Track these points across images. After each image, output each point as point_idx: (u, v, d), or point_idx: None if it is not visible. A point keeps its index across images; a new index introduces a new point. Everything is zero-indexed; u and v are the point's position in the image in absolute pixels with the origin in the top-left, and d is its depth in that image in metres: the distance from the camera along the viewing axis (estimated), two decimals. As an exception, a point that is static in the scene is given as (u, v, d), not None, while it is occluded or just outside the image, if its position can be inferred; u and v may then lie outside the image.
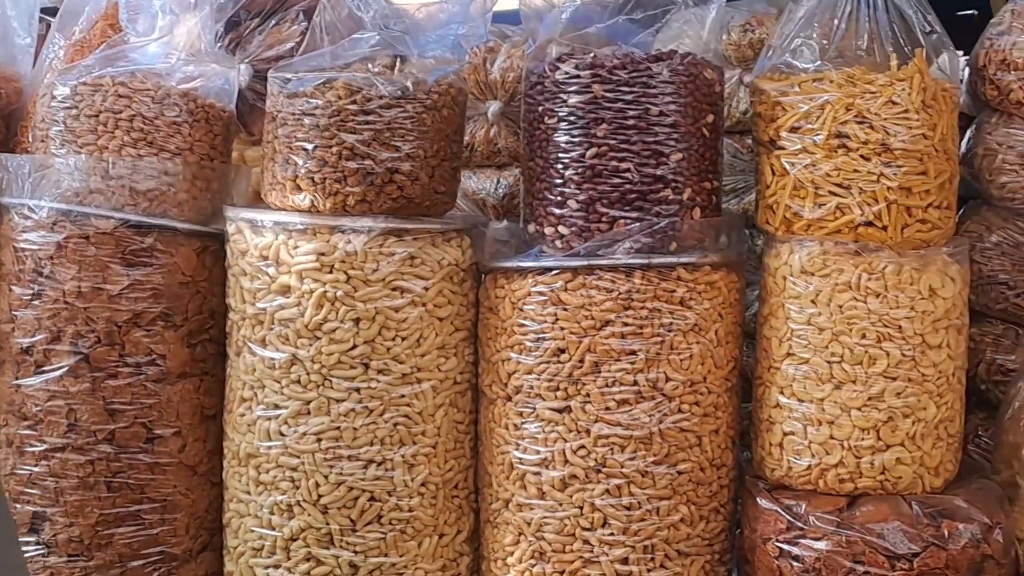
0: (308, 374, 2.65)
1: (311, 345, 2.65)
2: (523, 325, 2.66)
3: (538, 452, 2.65)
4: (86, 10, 3.23)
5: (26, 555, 2.74)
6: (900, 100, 2.54)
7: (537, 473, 2.66)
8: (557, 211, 2.64)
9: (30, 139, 3.05)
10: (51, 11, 3.48)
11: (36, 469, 2.74)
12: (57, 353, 2.74)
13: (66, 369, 2.73)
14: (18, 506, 2.74)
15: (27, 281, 2.76)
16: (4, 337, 2.80)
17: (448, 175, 2.75)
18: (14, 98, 3.31)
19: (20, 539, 2.73)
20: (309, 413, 2.66)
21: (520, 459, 2.68)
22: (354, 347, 2.65)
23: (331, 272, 2.64)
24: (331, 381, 2.65)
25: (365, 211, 2.65)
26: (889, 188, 2.54)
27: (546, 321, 2.63)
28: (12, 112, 3.30)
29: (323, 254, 2.64)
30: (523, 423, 2.67)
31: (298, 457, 2.67)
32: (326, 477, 2.66)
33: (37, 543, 2.75)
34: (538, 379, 2.64)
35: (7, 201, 2.82)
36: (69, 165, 2.76)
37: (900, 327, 2.58)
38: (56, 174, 2.77)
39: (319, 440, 2.66)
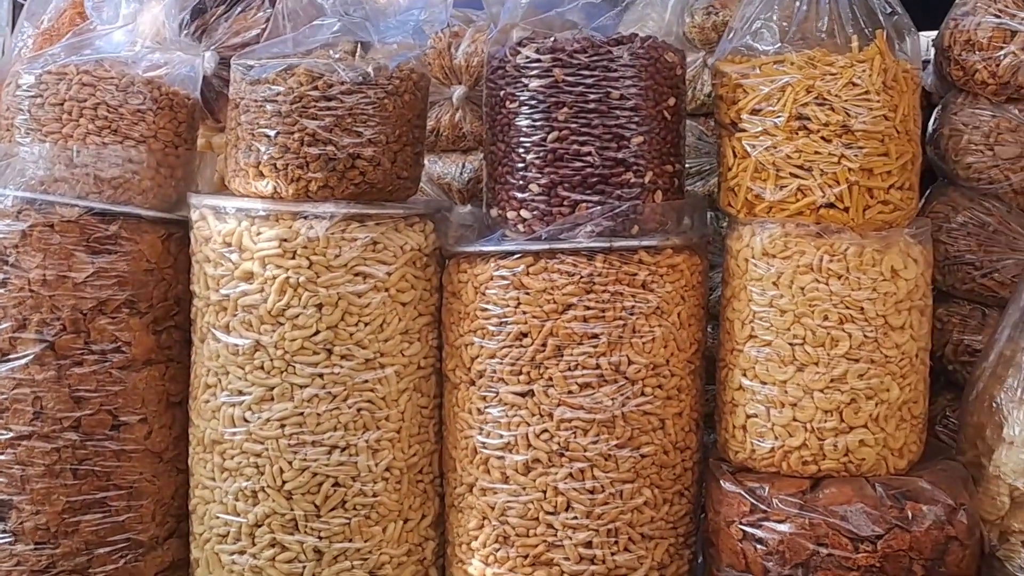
0: (271, 360, 2.65)
1: (274, 331, 2.64)
2: (486, 309, 2.65)
3: (501, 436, 2.65)
4: (55, -3, 3.24)
5: (-7, 544, 2.75)
6: (861, 81, 2.54)
7: (501, 457, 2.66)
8: (519, 195, 2.63)
9: (-1, 128, 3.06)
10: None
11: (2, 457, 2.73)
12: (23, 341, 2.73)
13: (32, 357, 2.72)
14: (-16, 494, 2.75)
15: (-8, 269, 2.76)
16: (-31, 326, 2.80)
17: (410, 160, 2.74)
18: (-18, 87, 3.32)
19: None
20: (273, 399, 2.66)
21: (484, 443, 2.67)
22: (317, 333, 2.64)
23: (293, 258, 2.64)
24: (294, 367, 2.65)
25: (327, 197, 2.64)
26: (850, 169, 2.54)
27: (508, 305, 2.63)
28: (-19, 101, 3.31)
29: (285, 240, 2.64)
30: (486, 407, 2.67)
31: (262, 443, 2.67)
32: (290, 463, 2.66)
33: (3, 531, 2.73)
34: (501, 363, 2.64)
35: (-29, 191, 2.82)
36: (34, 153, 2.75)
37: (862, 309, 2.57)
38: (21, 163, 2.76)
39: (283, 426, 2.66)
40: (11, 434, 2.72)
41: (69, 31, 3.02)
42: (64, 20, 3.18)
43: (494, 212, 2.70)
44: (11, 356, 2.73)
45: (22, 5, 3.42)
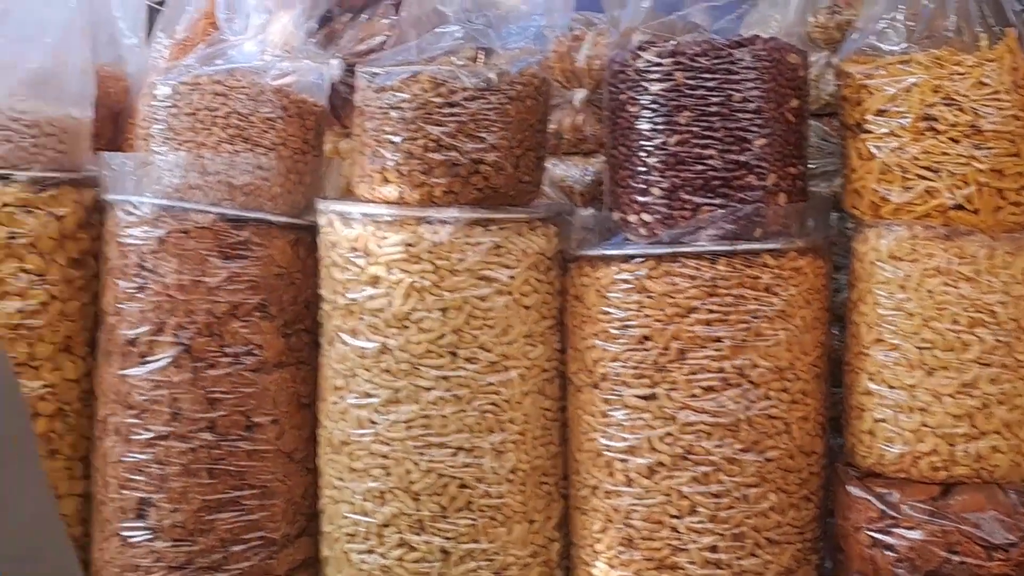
0: (397, 363, 2.69)
1: (400, 334, 2.68)
2: (608, 313, 2.66)
3: (625, 439, 2.65)
4: (188, 9, 3.33)
5: (134, 540, 2.83)
6: (990, 81, 2.48)
7: (624, 460, 2.66)
8: (640, 198, 2.63)
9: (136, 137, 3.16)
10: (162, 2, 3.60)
11: (142, 456, 2.82)
12: (160, 344, 2.82)
13: (169, 359, 2.81)
14: (125, 492, 2.83)
15: (131, 275, 2.85)
16: (110, 329, 2.89)
17: (532, 164, 2.76)
18: (122, 97, 3.44)
19: (128, 524, 2.84)
20: (399, 401, 2.70)
21: (607, 446, 2.68)
22: (442, 336, 2.67)
23: (418, 262, 2.67)
24: (420, 370, 2.68)
25: (451, 202, 2.68)
26: (980, 171, 2.48)
27: (631, 308, 2.63)
28: (120, 111, 3.42)
29: (410, 245, 2.67)
30: (609, 410, 2.67)
31: (389, 444, 2.71)
32: (416, 464, 2.70)
33: (144, 528, 2.83)
34: (624, 366, 2.64)
35: (112, 198, 2.92)
36: (169, 162, 2.84)
37: (994, 312, 2.51)
38: (157, 171, 2.85)
39: (409, 428, 2.70)
40: (151, 434, 2.81)
41: (201, 41, 3.11)
42: (197, 30, 3.27)
43: (616, 215, 2.70)
44: (149, 359, 2.82)
45: (158, 11, 3.53)
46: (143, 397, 2.82)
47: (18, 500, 1.54)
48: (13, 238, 2.89)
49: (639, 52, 2.63)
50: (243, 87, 2.87)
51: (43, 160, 2.96)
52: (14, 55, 2.96)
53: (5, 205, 2.88)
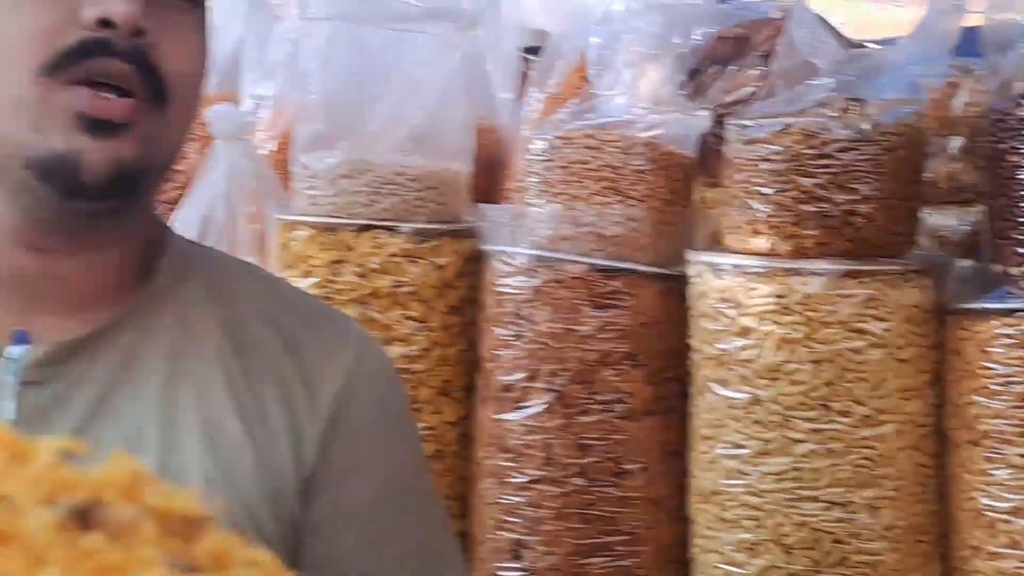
0: (768, 415, 2.68)
1: (771, 386, 2.68)
2: (989, 368, 2.57)
3: (1008, 500, 2.55)
4: (559, 64, 3.45)
5: (509, 580, 2.96)
6: None
7: (1008, 521, 2.56)
8: (1022, 251, 2.54)
9: (511, 189, 3.31)
10: (532, 49, 3.75)
11: (516, 499, 2.92)
12: (534, 390, 2.92)
13: (543, 406, 2.91)
14: (500, 533, 2.94)
15: (507, 323, 2.97)
16: (487, 375, 3.02)
17: (906, 215, 2.71)
18: (494, 149, 3.58)
19: (504, 564, 2.95)
20: (769, 453, 2.69)
21: (989, 506, 2.58)
22: (814, 388, 2.65)
23: (789, 314, 2.66)
24: (791, 422, 2.67)
25: (822, 253, 2.65)
26: None
27: (1014, 364, 2.53)
28: (494, 162, 3.58)
29: (781, 296, 2.67)
30: (991, 469, 2.57)
31: (760, 496, 2.70)
32: (788, 517, 2.68)
33: (520, 569, 2.92)
34: (1007, 424, 2.54)
35: (489, 248, 3.06)
36: (542, 213, 2.95)
37: None
38: (531, 222, 2.97)
39: (780, 480, 2.68)
40: (525, 478, 2.91)
41: (573, 95, 3.21)
42: (568, 84, 3.38)
43: (996, 267, 2.61)
44: (524, 404, 2.93)
45: (530, 63, 3.67)
46: (518, 441, 2.92)
47: (417, 531, 1.66)
48: (398, 286, 3.07)
49: (1021, 100, 2.54)
50: (614, 140, 2.94)
51: (425, 212, 3.13)
52: (398, 114, 3.14)
53: (392, 255, 3.07)
